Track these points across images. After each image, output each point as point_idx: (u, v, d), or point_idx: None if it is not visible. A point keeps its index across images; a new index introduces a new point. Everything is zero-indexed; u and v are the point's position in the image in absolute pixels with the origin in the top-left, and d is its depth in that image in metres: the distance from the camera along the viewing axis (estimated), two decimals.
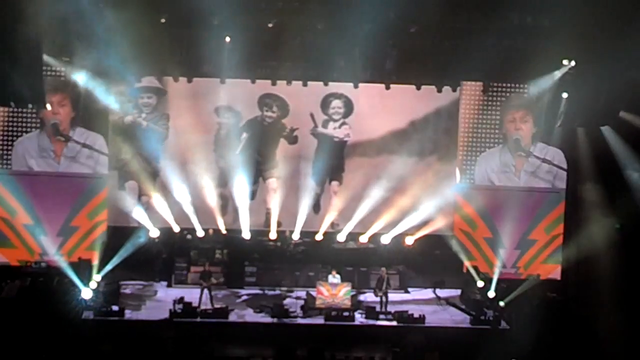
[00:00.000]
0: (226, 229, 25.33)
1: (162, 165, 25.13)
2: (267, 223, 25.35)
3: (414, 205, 25.17)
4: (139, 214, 24.99)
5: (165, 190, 25.01)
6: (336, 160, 25.51)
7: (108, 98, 24.52)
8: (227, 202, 25.41)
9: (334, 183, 25.60)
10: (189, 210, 24.95)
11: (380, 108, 25.25)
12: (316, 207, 25.63)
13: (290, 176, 25.46)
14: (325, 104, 25.26)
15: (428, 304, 24.18)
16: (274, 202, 25.35)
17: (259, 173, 25.45)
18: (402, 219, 25.20)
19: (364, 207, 25.27)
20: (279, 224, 25.35)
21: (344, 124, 25.39)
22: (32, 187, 24.64)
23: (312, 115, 25.24)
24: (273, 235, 25.23)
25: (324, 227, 25.50)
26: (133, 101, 24.87)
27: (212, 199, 25.19)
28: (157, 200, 25.01)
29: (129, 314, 22.35)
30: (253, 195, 25.45)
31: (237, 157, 25.17)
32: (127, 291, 24.46)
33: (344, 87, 25.02)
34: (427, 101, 25.20)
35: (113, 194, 25.07)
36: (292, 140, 25.31)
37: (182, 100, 24.97)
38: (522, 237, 25.74)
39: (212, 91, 24.89)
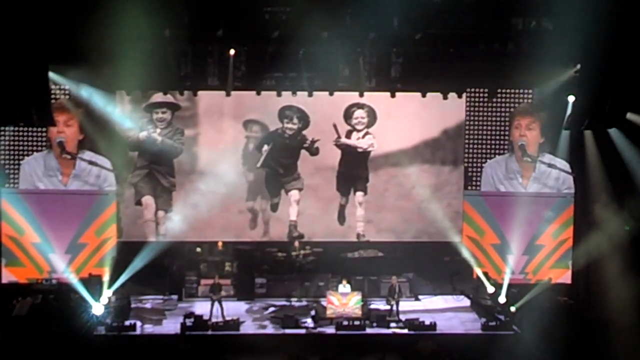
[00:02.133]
0: (238, 242, 25.49)
1: (177, 181, 25.24)
2: (291, 235, 25.43)
3: (436, 213, 25.51)
4: (154, 229, 25.15)
5: (181, 205, 25.12)
6: (360, 170, 25.60)
7: (119, 115, 24.65)
8: (256, 216, 25.60)
9: (359, 193, 25.66)
10: (212, 224, 25.20)
11: (395, 116, 25.45)
12: (341, 218, 25.73)
13: (314, 188, 25.57)
14: (348, 114, 25.35)
15: (439, 312, 24.11)
16: (297, 214, 25.51)
17: (280, 185, 25.56)
18: (426, 227, 25.60)
19: (389, 217, 25.56)
20: (302, 236, 25.42)
21: (367, 133, 25.47)
22: (39, 205, 24.68)
23: (335, 126, 25.29)
24: (291, 246, 25.29)
25: (350, 238, 25.67)
26: (147, 117, 24.97)
27: (242, 213, 25.49)
28: (173, 215, 25.17)
29: (149, 329, 22.41)
30: (275, 208, 25.57)
31: (261, 170, 25.35)
32: (147, 306, 24.51)
33: (368, 97, 24.95)
34: (433, 108, 25.23)
35: (129, 210, 25.20)
36: (314, 151, 25.40)
37: (207, 114, 25.20)
38: (529, 242, 25.72)
39: (237, 104, 25.05)
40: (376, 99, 25.04)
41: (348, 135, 25.49)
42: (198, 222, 25.10)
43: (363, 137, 25.50)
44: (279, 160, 25.42)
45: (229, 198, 25.25)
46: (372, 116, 25.41)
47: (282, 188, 25.59)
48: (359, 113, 25.36)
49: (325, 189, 25.62)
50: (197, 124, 25.29)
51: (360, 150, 25.51)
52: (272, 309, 24.18)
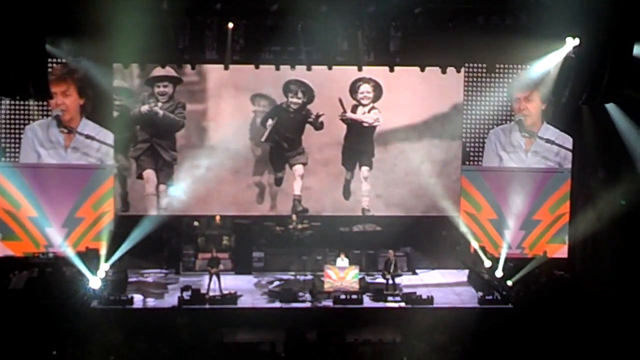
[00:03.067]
0: (237, 215, 25.49)
1: (181, 154, 25.23)
2: (295, 210, 25.41)
3: (444, 188, 25.60)
4: (155, 203, 25.17)
5: (183, 179, 25.15)
6: (366, 145, 25.57)
7: (118, 88, 24.62)
8: (263, 190, 25.62)
9: (364, 168, 25.68)
10: (219, 198, 25.28)
11: (394, 90, 25.32)
12: (346, 193, 25.75)
13: (319, 162, 25.56)
14: (353, 88, 25.26)
15: (436, 286, 24.14)
16: (302, 189, 25.52)
17: (285, 160, 25.54)
18: (434, 202, 25.62)
19: (398, 192, 25.62)
20: (306, 211, 25.45)
21: (373, 108, 25.38)
22: (36, 179, 24.62)
23: (340, 101, 25.23)
24: (289, 220, 25.24)
25: (355, 212, 25.71)
26: (149, 90, 24.89)
27: (249, 187, 25.53)
28: (174, 189, 25.19)
29: (152, 302, 22.49)
30: (280, 182, 25.58)
31: (266, 144, 25.32)
32: (150, 279, 24.53)
33: (373, 71, 24.98)
34: (432, 83, 25.15)
35: (137, 184, 25.20)
36: (319, 126, 25.34)
37: (216, 89, 25.13)
38: (526, 217, 25.78)
39: (242, 78, 24.98)
40: (375, 73, 25.01)
41: (354, 109, 25.44)
42: (203, 196, 25.17)
43: (369, 111, 25.43)
44: (284, 135, 25.39)
45: (236, 172, 25.33)
46: (378, 91, 25.32)
47: (287, 162, 25.58)
48: (364, 88, 25.28)
49: (330, 164, 25.61)
50: (205, 99, 25.22)
51: (365, 125, 25.46)
52: (277, 282, 24.19)
